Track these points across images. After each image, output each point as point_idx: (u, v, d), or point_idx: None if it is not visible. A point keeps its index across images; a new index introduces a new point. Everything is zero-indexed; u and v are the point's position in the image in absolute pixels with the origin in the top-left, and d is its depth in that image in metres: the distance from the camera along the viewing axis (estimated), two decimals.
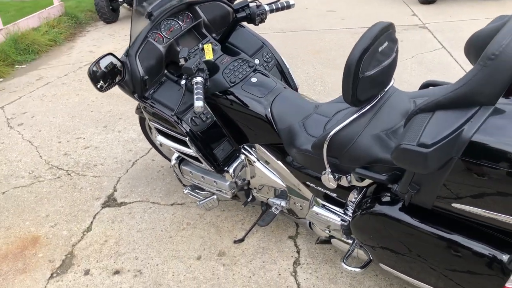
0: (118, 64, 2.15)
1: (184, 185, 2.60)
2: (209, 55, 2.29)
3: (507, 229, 1.45)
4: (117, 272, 2.36)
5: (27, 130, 3.87)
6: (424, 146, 1.37)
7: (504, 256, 1.48)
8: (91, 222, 2.72)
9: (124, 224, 2.68)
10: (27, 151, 3.54)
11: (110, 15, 6.86)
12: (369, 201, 1.78)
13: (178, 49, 2.32)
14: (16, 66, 5.47)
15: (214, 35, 2.51)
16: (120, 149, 3.46)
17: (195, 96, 1.95)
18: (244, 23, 2.58)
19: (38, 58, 5.82)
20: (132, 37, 2.19)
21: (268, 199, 2.38)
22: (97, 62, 2.08)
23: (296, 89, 2.58)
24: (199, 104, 1.92)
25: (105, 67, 2.10)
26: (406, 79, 4.12)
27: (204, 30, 2.43)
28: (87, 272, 2.37)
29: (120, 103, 4.22)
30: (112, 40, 6.39)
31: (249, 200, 2.47)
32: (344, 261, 1.99)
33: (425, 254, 1.65)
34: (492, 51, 1.37)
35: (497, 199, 1.38)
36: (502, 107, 1.41)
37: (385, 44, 1.75)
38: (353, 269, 1.96)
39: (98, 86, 2.08)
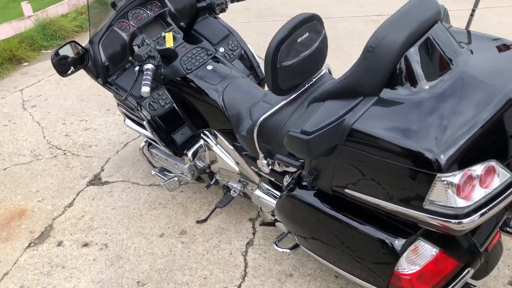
0: (81, 50, 2.32)
1: (154, 167, 2.78)
2: (169, 43, 2.43)
3: (396, 216, 1.51)
4: (85, 245, 2.58)
5: (38, 111, 4.18)
6: (305, 134, 1.46)
7: (393, 242, 1.54)
8: (74, 199, 2.96)
9: (102, 202, 2.90)
10: (33, 131, 3.85)
11: None
12: (291, 185, 1.87)
13: (143, 36, 2.47)
14: (42, 51, 5.83)
15: (182, 23, 2.64)
16: (116, 131, 3.68)
17: (143, 82, 2.09)
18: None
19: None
20: (92, 25, 2.36)
21: (227, 182, 2.51)
22: (59, 49, 2.26)
23: (261, 78, 2.67)
24: (145, 89, 2.06)
25: (67, 54, 2.29)
26: None
27: (169, 19, 2.57)
28: (60, 244, 2.61)
29: None
30: None
31: (212, 183, 2.61)
32: (277, 242, 2.09)
33: (332, 238, 1.73)
34: (370, 43, 1.43)
35: (378, 185, 1.45)
36: (386, 96, 1.47)
37: (305, 35, 1.82)
38: (283, 250, 2.06)
39: (59, 71, 2.26)
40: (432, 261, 1.55)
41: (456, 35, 1.63)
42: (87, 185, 3.09)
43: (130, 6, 2.51)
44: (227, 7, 2.54)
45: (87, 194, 2.99)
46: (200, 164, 2.51)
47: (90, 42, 2.38)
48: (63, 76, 2.29)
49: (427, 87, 1.44)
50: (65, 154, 3.47)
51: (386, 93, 1.47)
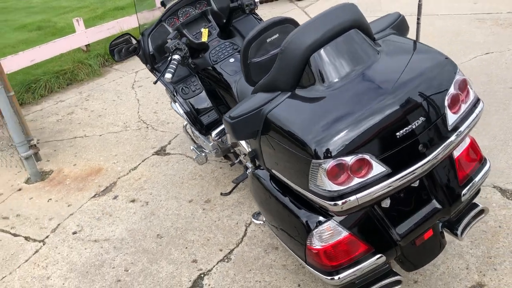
0: (134, 41, 2.92)
1: (195, 143, 3.29)
2: (204, 38, 2.90)
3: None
4: (133, 201, 3.21)
5: (141, 91, 5.01)
6: (230, 118, 1.81)
7: (308, 219, 1.80)
8: (139, 164, 3.63)
9: (158, 169, 3.52)
10: (132, 107, 4.67)
11: None
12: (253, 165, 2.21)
13: (184, 31, 2.97)
14: None
15: (224, 20, 3.08)
16: None
17: (167, 70, 2.59)
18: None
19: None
20: (140, 21, 2.93)
21: (246, 162, 2.91)
22: (115, 39, 2.88)
23: None
24: (167, 76, 2.56)
25: (122, 43, 2.90)
26: None
27: (210, 17, 3.03)
28: (115, 197, 3.29)
29: None
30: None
31: (236, 161, 3.03)
32: (255, 215, 2.44)
33: (273, 213, 2.03)
34: (282, 45, 1.73)
35: (285, 168, 1.75)
36: (297, 92, 1.75)
37: (275, 36, 2.14)
38: (258, 222, 2.40)
39: (115, 58, 2.88)
40: (341, 241, 1.77)
41: (391, 43, 1.81)
42: (153, 154, 3.73)
43: (181, 4, 3.02)
44: (256, 7, 2.90)
45: (150, 162, 3.63)
46: (223, 144, 2.93)
47: (142, 34, 2.96)
48: (117, 62, 2.90)
49: (325, 87, 1.68)
50: (147, 128, 4.18)
51: (298, 90, 1.75)
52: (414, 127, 1.57)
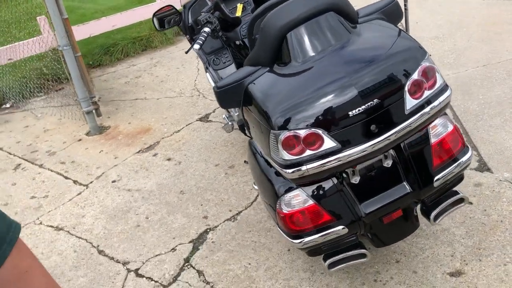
0: (175, 13, 3.21)
1: (228, 112, 3.55)
2: (238, 13, 3.12)
3: None
4: (168, 159, 3.57)
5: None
6: (216, 88, 2.04)
7: (279, 186, 1.99)
8: (182, 128, 3.98)
9: (197, 134, 3.84)
10: (191, 75, 5.03)
11: None
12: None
13: (222, 6, 3.20)
14: None
15: None
16: None
17: (197, 40, 2.86)
18: None
19: None
20: None
21: None
22: (159, 9, 3.19)
23: None
24: (195, 46, 2.82)
25: (164, 14, 3.20)
26: None
27: None
28: (155, 155, 3.67)
29: None
30: None
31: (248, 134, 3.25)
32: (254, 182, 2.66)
33: (257, 178, 2.24)
34: (262, 23, 1.91)
35: (259, 138, 1.95)
36: (274, 68, 1.92)
37: None
38: (255, 187, 2.62)
39: (157, 27, 3.20)
40: (306, 208, 1.95)
41: (370, 27, 1.92)
42: (196, 120, 4.05)
43: None
44: None
45: (192, 126, 3.96)
46: None
47: (184, 7, 3.23)
48: (159, 31, 3.21)
49: (298, 64, 1.84)
50: (198, 95, 4.51)
51: (276, 66, 1.93)
52: (366, 107, 1.69)
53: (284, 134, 1.69)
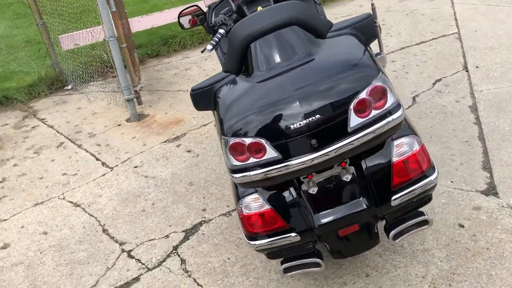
0: (200, 12, 3.39)
1: None
2: None
3: None
4: (188, 151, 3.78)
5: None
6: (191, 90, 2.18)
7: (240, 189, 2.10)
8: (211, 122, 4.17)
9: None
10: None
11: None
12: None
13: (244, 8, 3.33)
14: None
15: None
16: None
17: (210, 41, 3.02)
18: None
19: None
20: None
21: None
22: (185, 9, 3.38)
23: None
24: (208, 47, 2.97)
25: (190, 14, 3.39)
26: None
27: None
28: (178, 146, 3.89)
29: None
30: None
31: None
32: None
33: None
34: (229, 33, 2.02)
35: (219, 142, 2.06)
36: (240, 77, 2.03)
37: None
38: None
39: (182, 25, 3.39)
40: (262, 213, 2.04)
41: (334, 43, 1.95)
42: None
43: None
44: None
45: None
46: None
47: (208, 7, 3.39)
48: (183, 29, 3.40)
49: (259, 74, 1.92)
50: None
51: (241, 74, 2.03)
52: (308, 122, 1.74)
53: (231, 140, 1.79)
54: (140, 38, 6.35)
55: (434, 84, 4.11)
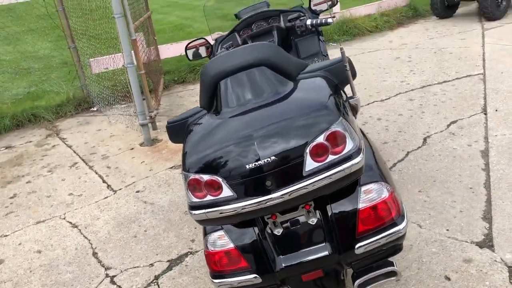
0: (207, 46, 3.46)
1: None
2: None
3: None
4: None
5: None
6: (167, 123, 2.21)
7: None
8: None
9: None
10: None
11: (441, 10, 7.37)
12: None
13: (249, 43, 3.38)
14: (330, 44, 7.11)
15: (293, 37, 3.37)
16: None
17: None
18: None
19: (351, 39, 7.26)
20: (211, 29, 3.43)
21: None
22: (192, 41, 3.47)
23: None
24: None
25: (197, 46, 3.47)
26: None
27: (274, 32, 3.35)
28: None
29: None
30: (420, 33, 7.00)
31: None
32: None
33: None
34: (201, 70, 2.05)
35: None
36: (208, 114, 2.04)
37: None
38: None
39: (188, 57, 3.48)
40: (225, 251, 2.02)
41: (301, 85, 1.95)
42: None
43: (255, 18, 3.42)
44: (307, 29, 3.10)
45: None
46: None
47: (215, 40, 3.46)
48: (190, 61, 3.48)
49: (225, 112, 1.93)
50: None
51: (211, 111, 2.04)
52: (263, 163, 1.72)
53: (190, 176, 1.80)
54: (169, 65, 6.53)
55: (448, 125, 3.99)
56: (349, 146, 1.72)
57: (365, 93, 4.98)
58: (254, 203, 1.72)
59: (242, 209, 1.73)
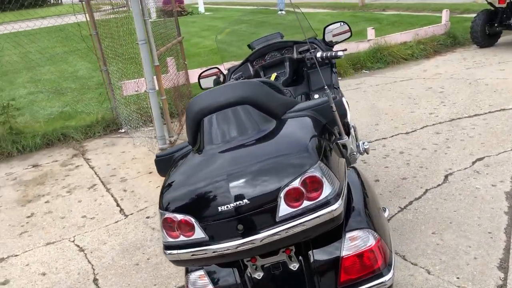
0: (220, 75, 3.47)
1: None
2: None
3: None
4: None
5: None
6: (156, 156, 2.20)
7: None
8: None
9: None
10: None
11: (482, 39, 7.13)
12: None
13: (260, 73, 3.35)
14: (362, 71, 7.00)
15: (305, 68, 3.32)
16: None
17: None
18: None
19: (385, 67, 7.12)
20: (222, 58, 3.43)
21: None
22: (207, 70, 3.48)
23: None
24: None
25: (209, 75, 3.48)
26: None
27: (286, 63, 3.31)
28: None
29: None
30: (457, 63, 6.78)
31: None
32: None
33: None
34: (186, 107, 2.03)
35: None
36: (192, 152, 2.01)
37: None
38: None
39: (201, 86, 3.48)
40: None
41: (284, 124, 1.89)
42: None
43: (268, 49, 3.39)
44: (317, 60, 3.05)
45: None
46: None
47: (228, 70, 3.46)
48: (202, 89, 3.48)
49: (207, 150, 1.89)
50: None
51: (194, 148, 2.01)
52: (235, 206, 1.66)
53: (165, 214, 1.76)
54: (199, 89, 6.57)
55: (473, 163, 3.78)
56: (326, 191, 1.64)
57: (390, 125, 4.83)
58: (225, 247, 1.66)
59: (213, 252, 1.67)
